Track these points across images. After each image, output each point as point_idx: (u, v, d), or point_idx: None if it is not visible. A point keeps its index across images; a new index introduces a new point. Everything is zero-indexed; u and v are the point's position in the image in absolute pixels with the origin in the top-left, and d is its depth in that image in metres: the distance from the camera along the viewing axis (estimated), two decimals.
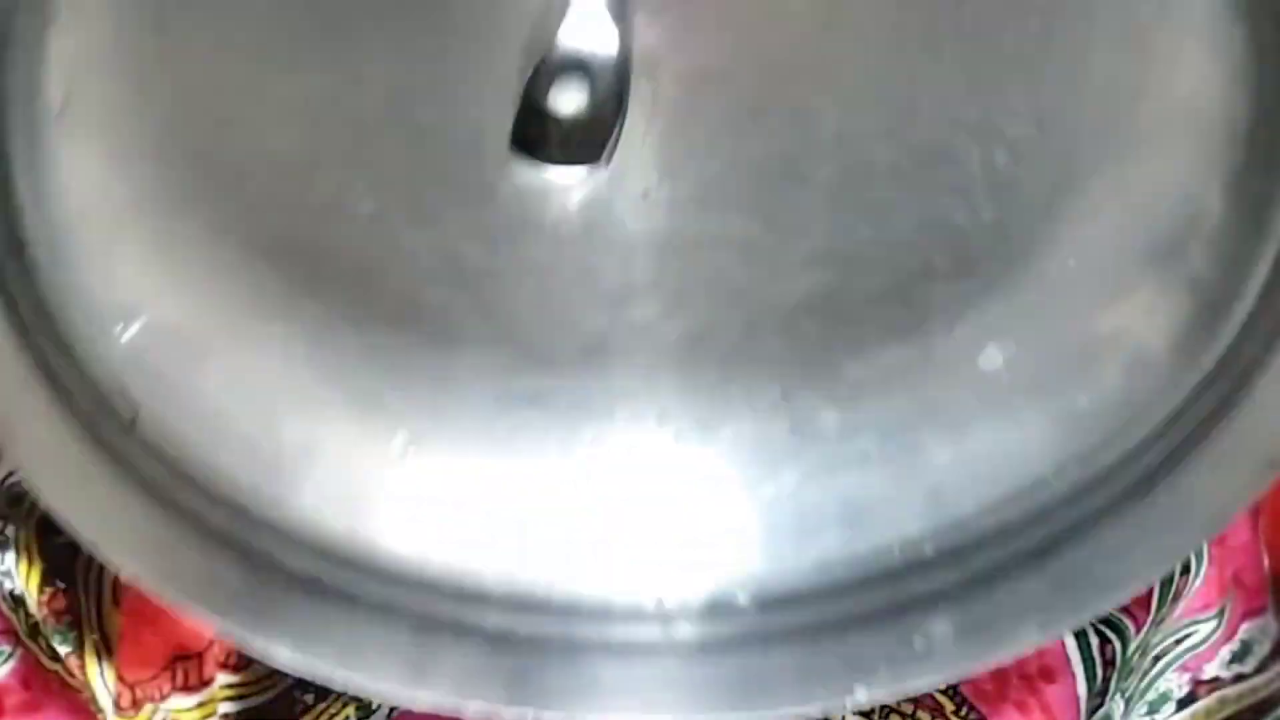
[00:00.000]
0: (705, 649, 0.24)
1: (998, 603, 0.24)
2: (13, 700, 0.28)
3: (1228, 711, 0.27)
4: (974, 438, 0.25)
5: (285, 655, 0.24)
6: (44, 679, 0.28)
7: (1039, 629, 0.24)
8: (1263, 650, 0.27)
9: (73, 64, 0.30)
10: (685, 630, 0.24)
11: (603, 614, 0.25)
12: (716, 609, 0.24)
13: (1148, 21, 0.28)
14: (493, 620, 0.25)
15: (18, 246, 0.29)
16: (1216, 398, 0.25)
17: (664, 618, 0.24)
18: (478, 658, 0.24)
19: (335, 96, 0.28)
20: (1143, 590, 0.24)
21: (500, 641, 0.24)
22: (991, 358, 0.25)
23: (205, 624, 0.25)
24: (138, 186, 0.28)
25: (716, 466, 0.24)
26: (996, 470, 0.25)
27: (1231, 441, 0.25)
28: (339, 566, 0.25)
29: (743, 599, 0.24)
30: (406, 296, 0.26)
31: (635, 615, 0.24)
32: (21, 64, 0.31)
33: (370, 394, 0.25)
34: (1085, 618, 0.24)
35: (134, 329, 0.27)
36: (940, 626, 0.24)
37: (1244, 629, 0.27)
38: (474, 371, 0.25)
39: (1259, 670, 0.27)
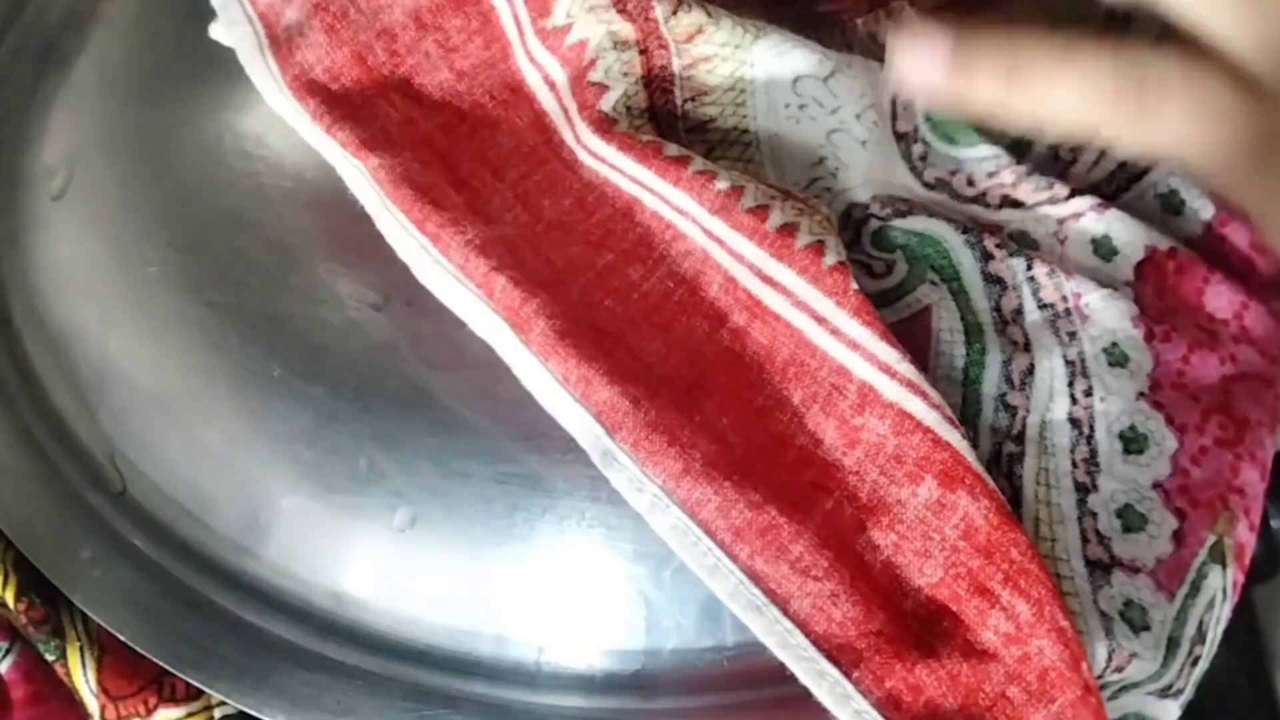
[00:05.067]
0: (684, 718, 0.26)
1: None
2: (19, 694, 0.27)
3: None
4: None
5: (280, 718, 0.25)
6: (46, 671, 0.28)
7: None
8: None
9: (72, 145, 0.31)
10: (665, 702, 0.26)
11: (587, 684, 0.26)
12: (695, 681, 0.26)
13: None
14: (481, 689, 0.26)
15: (3, 320, 0.30)
16: None
17: (645, 689, 0.26)
18: None
19: (337, 195, 0.30)
20: None
21: (490, 709, 0.26)
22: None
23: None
24: (137, 268, 0.29)
25: None
26: None
27: None
28: (329, 636, 0.27)
29: (719, 671, 0.26)
30: (410, 381, 0.27)
31: (618, 686, 0.26)
32: (10, 142, 0.32)
33: (374, 471, 0.27)
34: None
35: (126, 399, 0.28)
36: None
37: None
38: (474, 454, 0.27)
39: None
